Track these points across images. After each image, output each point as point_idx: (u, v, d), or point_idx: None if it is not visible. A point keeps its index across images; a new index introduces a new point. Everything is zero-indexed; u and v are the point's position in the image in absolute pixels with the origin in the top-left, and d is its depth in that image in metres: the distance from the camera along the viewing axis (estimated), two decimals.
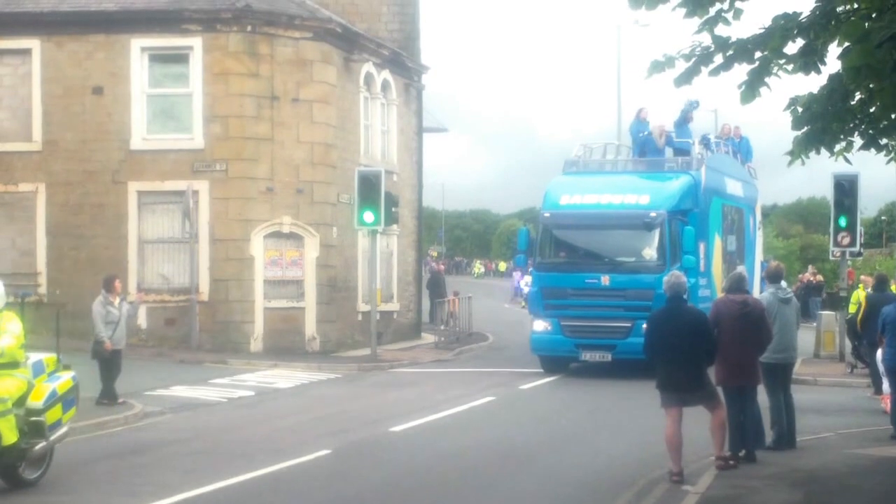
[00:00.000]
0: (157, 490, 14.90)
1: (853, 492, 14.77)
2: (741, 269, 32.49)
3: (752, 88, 12.74)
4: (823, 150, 15.08)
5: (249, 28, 34.51)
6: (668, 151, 33.86)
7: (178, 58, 35.05)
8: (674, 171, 32.15)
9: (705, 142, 34.66)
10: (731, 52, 12.91)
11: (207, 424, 21.09)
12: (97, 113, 34.92)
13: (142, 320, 33.50)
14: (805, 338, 31.70)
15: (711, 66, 13.06)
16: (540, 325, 30.44)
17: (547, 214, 30.87)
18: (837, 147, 15.15)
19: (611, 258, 30.10)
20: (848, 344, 30.97)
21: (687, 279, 25.61)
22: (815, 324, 36.99)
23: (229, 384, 26.88)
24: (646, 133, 33.79)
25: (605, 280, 29.40)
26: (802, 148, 14.58)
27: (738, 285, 17.13)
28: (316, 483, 15.76)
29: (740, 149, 39.27)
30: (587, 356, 29.83)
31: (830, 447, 18.21)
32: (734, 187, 36.63)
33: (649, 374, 24.00)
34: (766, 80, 12.81)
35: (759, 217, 41.57)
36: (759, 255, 40.28)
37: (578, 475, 16.37)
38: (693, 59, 13.02)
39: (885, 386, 20.85)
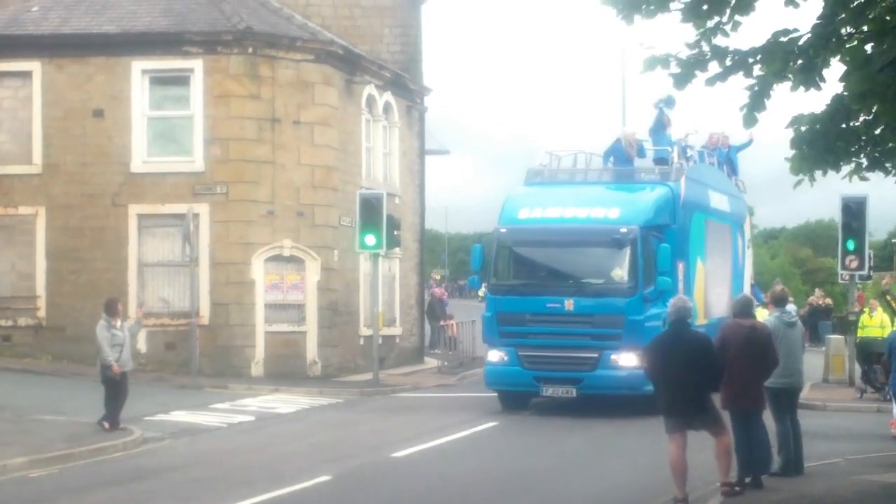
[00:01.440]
0: None
1: None
2: (747, 293, 31.84)
3: (752, 111, 12.76)
4: (831, 172, 15.07)
5: (250, 50, 34.58)
6: (646, 162, 30.93)
7: (179, 80, 35.13)
8: (649, 182, 29.20)
9: (684, 150, 31.86)
10: (728, 63, 12.93)
11: (207, 450, 21.07)
12: (97, 136, 34.98)
13: (141, 344, 33.45)
14: (813, 362, 31.76)
15: (707, 75, 13.04)
16: (495, 356, 27.28)
17: (503, 230, 27.83)
18: (846, 168, 15.12)
19: (575, 280, 27.00)
20: (858, 368, 31.02)
21: (662, 303, 24.25)
22: (823, 348, 36.92)
23: (230, 409, 26.87)
24: (615, 141, 30.71)
25: (569, 304, 26.35)
26: (803, 166, 14.51)
27: (745, 309, 17.13)
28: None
29: (728, 160, 36.51)
30: (549, 391, 26.62)
31: (839, 473, 18.17)
32: (719, 201, 33.74)
33: (629, 407, 24.95)
34: (766, 101, 12.81)
35: (748, 235, 38.67)
36: (748, 277, 37.36)
37: (583, 500, 16.34)
38: (688, 65, 12.98)
39: (895, 410, 20.86)
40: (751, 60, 12.77)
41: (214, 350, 34.00)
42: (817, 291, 60.80)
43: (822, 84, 12.81)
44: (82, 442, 20.74)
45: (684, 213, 29.17)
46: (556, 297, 26.51)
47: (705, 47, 12.99)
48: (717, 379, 15.75)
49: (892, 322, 30.88)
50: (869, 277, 38.09)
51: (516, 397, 27.48)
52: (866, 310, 33.36)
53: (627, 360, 25.77)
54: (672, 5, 12.82)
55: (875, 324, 31.97)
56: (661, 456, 16.81)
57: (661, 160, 30.27)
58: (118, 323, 22.73)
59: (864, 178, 15.66)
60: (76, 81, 35.17)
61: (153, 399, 27.21)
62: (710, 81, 13.08)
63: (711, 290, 31.04)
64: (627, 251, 26.50)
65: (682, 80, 13.06)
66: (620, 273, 26.58)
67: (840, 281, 39.36)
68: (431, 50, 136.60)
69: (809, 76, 12.61)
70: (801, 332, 18.45)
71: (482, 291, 27.18)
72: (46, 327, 34.88)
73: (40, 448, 19.81)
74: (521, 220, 27.75)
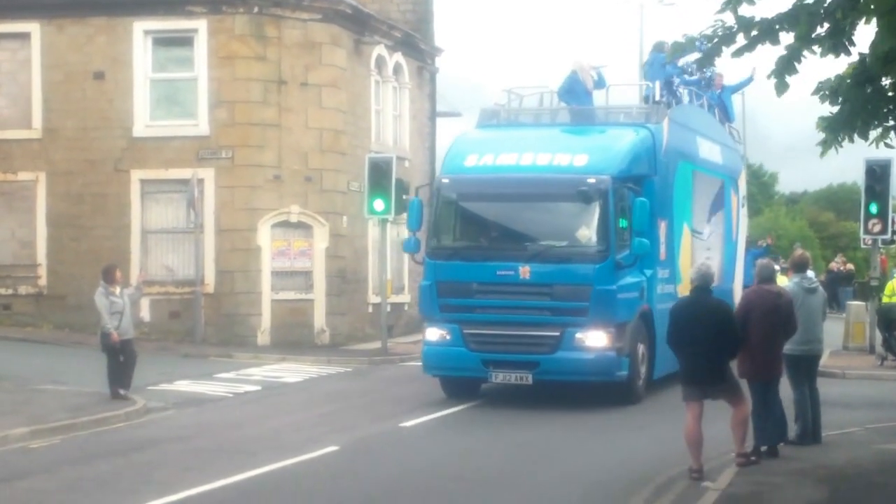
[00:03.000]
0: (159, 488, 14.96)
1: (882, 490, 14.73)
2: (768, 259, 31.32)
3: (782, 77, 12.67)
4: (858, 138, 15.02)
5: (256, 9, 34.51)
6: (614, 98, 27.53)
7: (183, 41, 35.10)
8: (626, 124, 25.40)
9: (669, 85, 27.92)
10: (755, 33, 12.80)
11: (212, 420, 21.12)
12: (98, 99, 34.98)
13: (145, 313, 33.58)
14: (833, 329, 31.71)
15: (734, 47, 13.00)
16: (435, 334, 23.23)
17: (445, 180, 23.79)
18: (873, 134, 15.06)
19: (533, 242, 23.07)
20: (878, 335, 30.98)
21: (639, 271, 23.28)
22: (843, 314, 36.89)
23: (235, 379, 26.91)
24: (570, 73, 26.29)
25: (525, 272, 22.38)
26: (833, 134, 14.50)
27: (771, 275, 17.17)
28: (322, 481, 15.77)
29: (721, 104, 32.17)
30: (499, 377, 22.83)
31: (858, 443, 18.17)
32: (710, 151, 29.67)
33: (600, 393, 22.51)
34: (797, 65, 12.72)
35: (742, 192, 34.00)
36: (742, 239, 33.22)
37: (596, 472, 16.36)
38: (715, 40, 12.97)
39: None
40: (777, 27, 12.63)
41: (219, 318, 34.06)
42: (839, 257, 60.67)
43: (851, 49, 12.75)
44: (84, 412, 20.80)
45: (667, 163, 25.50)
46: (508, 263, 22.57)
47: (730, 19, 12.90)
48: (737, 347, 15.80)
49: None
50: (892, 241, 37.95)
51: (462, 384, 23.77)
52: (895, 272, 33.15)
53: (595, 340, 22.25)
54: None
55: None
56: (674, 431, 16.82)
57: (647, 101, 27.16)
58: (117, 290, 22.76)
59: (889, 146, 15.64)
60: (76, 43, 35.14)
61: (157, 368, 27.25)
62: (738, 53, 13.03)
63: (699, 256, 26.95)
64: (596, 207, 22.59)
65: (709, 56, 13.00)
66: (587, 234, 22.72)
67: (863, 245, 39.20)
68: (443, 9, 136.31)
69: (838, 41, 12.53)
70: (823, 299, 18.38)
71: (420, 256, 23.67)
72: (47, 296, 34.97)
73: (41, 418, 19.90)
74: (468, 169, 23.79)
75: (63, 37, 35.23)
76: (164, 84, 35.18)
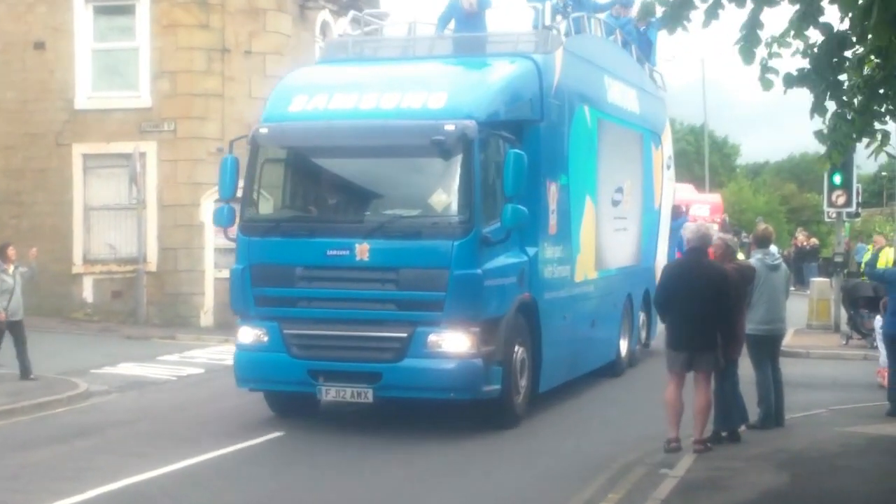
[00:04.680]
0: (102, 475, 14.92)
1: (844, 473, 14.80)
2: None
3: (749, 45, 12.46)
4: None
5: None
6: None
7: (124, 9, 34.79)
8: (504, 55, 20.15)
9: (563, 7, 22.72)
10: None
11: (155, 404, 21.07)
12: (39, 70, 34.71)
13: (87, 293, 33.49)
14: (798, 307, 31.88)
15: (699, 9, 12.49)
16: (249, 335, 18.46)
17: (263, 130, 18.65)
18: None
19: (373, 211, 18.28)
20: (843, 313, 31.11)
21: (518, 249, 18.70)
22: (808, 292, 37.07)
23: (178, 361, 26.79)
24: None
25: (363, 252, 17.48)
26: (834, 142, 14.29)
27: (732, 253, 17.29)
28: (267, 467, 15.76)
29: (644, 41, 27.81)
30: (330, 393, 17.88)
31: (821, 425, 18.26)
32: (623, 96, 25.11)
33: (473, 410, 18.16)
34: (760, 33, 12.58)
35: (667, 150, 29.45)
36: (666, 208, 29.26)
37: (552, 459, 16.42)
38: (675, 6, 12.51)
39: (883, 358, 20.96)
40: None
41: (162, 298, 33.91)
42: (800, 232, 60.74)
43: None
44: (24, 397, 20.72)
45: (560, 106, 20.53)
46: (341, 240, 17.71)
47: None
48: (729, 314, 15.81)
49: None
50: (857, 215, 38.05)
51: (287, 400, 19.17)
52: (869, 247, 33.25)
53: (454, 343, 17.42)
54: None
55: (880, 265, 31.46)
56: (647, 410, 16.89)
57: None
58: (10, 268, 22.70)
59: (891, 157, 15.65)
60: (15, 12, 34.87)
61: (99, 351, 27.20)
62: (706, 22, 12.56)
63: (608, 228, 23.61)
64: (456, 163, 17.56)
65: (674, 18, 12.56)
66: (444, 199, 17.83)
67: (826, 219, 39.29)
68: None
69: (808, 9, 12.36)
70: (787, 276, 18.43)
71: (234, 231, 18.82)
72: None
73: None
74: (293, 115, 18.66)
75: (2, 6, 34.96)
76: (105, 54, 34.88)
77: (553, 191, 20.11)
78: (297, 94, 18.98)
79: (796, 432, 17.38)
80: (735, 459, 15.34)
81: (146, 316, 33.26)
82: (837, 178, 31.27)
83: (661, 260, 27.64)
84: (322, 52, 21.88)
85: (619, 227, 24.61)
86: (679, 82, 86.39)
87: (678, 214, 33.40)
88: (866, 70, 13.87)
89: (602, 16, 25.62)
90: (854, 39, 12.67)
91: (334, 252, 17.70)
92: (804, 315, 34.62)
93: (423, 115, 17.77)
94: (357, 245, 17.51)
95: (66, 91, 34.52)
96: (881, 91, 14.03)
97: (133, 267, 33.61)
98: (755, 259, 17.85)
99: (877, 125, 14.48)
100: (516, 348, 18.45)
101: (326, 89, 18.89)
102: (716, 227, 39.28)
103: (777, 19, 12.60)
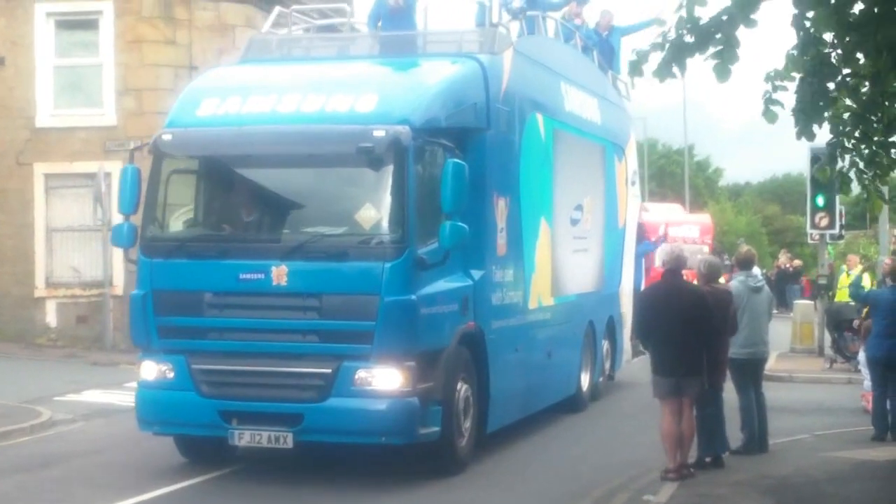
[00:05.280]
0: None
1: (830, 499, 14.97)
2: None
3: (724, 63, 12.50)
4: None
5: None
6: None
7: (87, 24, 34.81)
8: (446, 55, 18.53)
9: (509, 4, 21.77)
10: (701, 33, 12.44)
11: (122, 433, 20.90)
12: None
13: (51, 318, 33.44)
14: (781, 330, 32.06)
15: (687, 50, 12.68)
16: (152, 370, 16.76)
17: (167, 136, 16.93)
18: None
19: (293, 229, 16.64)
20: (827, 336, 31.32)
21: (462, 272, 17.15)
22: (791, 314, 37.29)
23: None
24: None
25: (280, 276, 15.88)
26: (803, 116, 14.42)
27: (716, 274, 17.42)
28: (238, 497, 15.81)
29: (607, 47, 26.33)
30: (244, 437, 16.19)
31: (806, 450, 18.47)
32: (583, 104, 23.49)
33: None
34: (736, 51, 12.73)
35: (632, 165, 27.73)
36: (631, 228, 27.36)
37: (537, 484, 16.46)
38: (667, 47, 12.63)
39: (867, 382, 21.17)
40: (724, 18, 12.28)
41: (129, 323, 33.74)
42: (782, 254, 61.11)
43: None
44: None
45: (510, 112, 18.93)
46: (255, 263, 16.06)
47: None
48: (712, 336, 15.91)
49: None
50: (841, 237, 38.30)
51: (197, 444, 17.36)
52: (844, 268, 33.53)
53: (386, 380, 15.68)
54: None
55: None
56: (629, 438, 16.95)
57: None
58: None
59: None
60: None
61: (63, 377, 27.17)
62: (689, 53, 12.57)
63: (564, 249, 21.95)
64: (387, 173, 15.91)
65: (665, 69, 12.60)
66: (373, 215, 16.04)
67: (809, 241, 39.59)
68: None
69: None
70: (769, 298, 18.62)
71: (134, 253, 17.35)
72: None
73: None
74: (201, 120, 16.98)
75: None
76: (68, 71, 34.90)
77: (502, 207, 18.42)
78: (207, 97, 17.31)
79: (781, 457, 17.54)
80: (719, 486, 15.47)
81: (112, 341, 33.16)
82: (820, 200, 31.51)
83: (627, 284, 26.48)
84: (243, 51, 19.67)
85: (578, 249, 22.96)
86: (661, 104, 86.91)
87: (659, 238, 33.15)
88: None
89: (557, 15, 24.27)
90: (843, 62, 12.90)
91: (248, 276, 16.04)
92: (787, 338, 34.79)
93: (349, 119, 16.16)
94: (274, 268, 15.89)
95: (27, 108, 34.48)
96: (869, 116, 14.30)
97: (99, 290, 33.55)
98: (738, 281, 18.01)
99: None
100: (459, 385, 16.76)
101: (241, 91, 17.24)
102: (706, 248, 39.02)
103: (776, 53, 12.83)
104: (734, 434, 17.54)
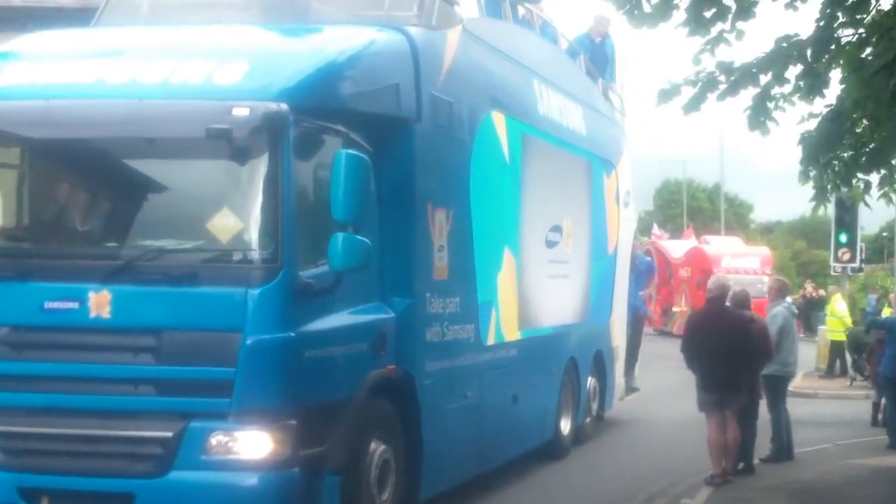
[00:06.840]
0: None
1: (849, 501, 15.21)
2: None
3: (757, 114, 12.61)
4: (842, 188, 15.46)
5: None
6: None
7: None
8: (362, 24, 12.74)
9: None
10: (735, 77, 12.55)
11: None
12: None
13: None
14: (806, 352, 32.35)
15: (717, 92, 12.64)
16: None
17: None
18: (855, 181, 15.18)
19: (119, 241, 11.05)
20: (849, 358, 31.68)
21: (374, 305, 12.06)
22: (816, 338, 37.51)
23: None
24: None
25: (101, 304, 10.50)
26: (815, 181, 14.69)
27: (744, 300, 17.61)
28: None
29: (601, 54, 21.85)
30: None
31: (829, 458, 18.63)
32: (562, 109, 18.47)
33: None
34: (770, 105, 12.71)
35: (625, 184, 22.37)
36: (624, 254, 22.31)
37: (579, 491, 16.45)
38: (699, 85, 12.60)
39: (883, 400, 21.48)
40: (755, 71, 12.48)
41: None
42: (808, 283, 61.27)
43: (826, 92, 12.99)
44: None
45: (453, 105, 13.75)
46: (67, 287, 10.63)
47: (708, 60, 12.57)
48: (754, 359, 16.10)
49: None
50: (861, 270, 38.83)
51: None
52: (832, 299, 34.12)
53: (252, 446, 10.41)
54: (674, 13, 12.22)
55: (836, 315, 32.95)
56: (659, 448, 17.02)
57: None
58: None
59: (867, 206, 16.12)
60: None
61: None
62: (721, 97, 12.58)
63: (536, 275, 16.99)
64: (255, 167, 10.53)
65: (694, 104, 12.55)
66: (232, 224, 10.63)
67: (832, 273, 40.07)
68: None
69: (814, 83, 12.60)
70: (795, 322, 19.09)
71: None
72: None
73: None
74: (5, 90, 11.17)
75: None
76: None
77: (440, 220, 13.29)
78: (14, 63, 11.66)
79: (806, 465, 17.74)
80: (750, 490, 15.67)
81: None
82: (843, 237, 32.33)
83: (620, 315, 21.87)
84: (99, 12, 13.57)
85: (555, 274, 18.03)
86: (699, 150, 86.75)
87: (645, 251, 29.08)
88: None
89: (538, 10, 18.97)
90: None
91: (56, 304, 10.63)
92: (813, 359, 34.97)
93: (204, 92, 10.57)
94: (92, 294, 10.51)
95: None
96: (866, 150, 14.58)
97: None
98: (784, 307, 18.22)
99: (860, 175, 14.93)
100: (372, 446, 11.75)
101: (63, 57, 11.54)
102: (766, 279, 38.17)
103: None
104: (763, 444, 17.74)
